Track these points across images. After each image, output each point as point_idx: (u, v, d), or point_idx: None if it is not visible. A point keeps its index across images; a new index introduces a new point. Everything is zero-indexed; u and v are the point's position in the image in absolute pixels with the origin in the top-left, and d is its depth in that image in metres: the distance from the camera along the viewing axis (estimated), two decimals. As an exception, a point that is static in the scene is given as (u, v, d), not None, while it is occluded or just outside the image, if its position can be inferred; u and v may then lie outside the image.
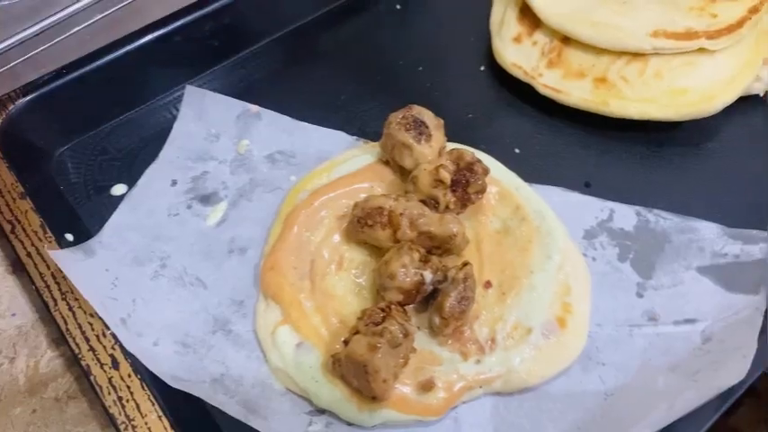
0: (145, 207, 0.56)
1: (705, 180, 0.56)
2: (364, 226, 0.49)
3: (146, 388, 0.44)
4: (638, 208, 0.53)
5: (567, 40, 0.60)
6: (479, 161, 0.51)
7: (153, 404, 0.43)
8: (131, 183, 0.57)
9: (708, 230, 0.52)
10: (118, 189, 0.58)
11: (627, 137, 0.58)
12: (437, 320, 0.46)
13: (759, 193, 0.55)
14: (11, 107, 0.58)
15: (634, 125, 0.57)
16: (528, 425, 0.45)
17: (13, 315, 0.53)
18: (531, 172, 0.55)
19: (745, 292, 0.49)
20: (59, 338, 0.51)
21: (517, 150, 0.58)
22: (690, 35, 0.56)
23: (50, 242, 0.50)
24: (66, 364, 0.50)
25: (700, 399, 0.42)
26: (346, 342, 0.45)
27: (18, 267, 0.55)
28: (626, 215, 0.53)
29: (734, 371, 0.42)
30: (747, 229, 0.52)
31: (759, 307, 0.47)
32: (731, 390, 0.41)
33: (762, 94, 0.59)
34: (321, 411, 0.46)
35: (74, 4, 0.62)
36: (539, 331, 0.47)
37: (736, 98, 0.56)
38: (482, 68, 0.64)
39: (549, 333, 0.47)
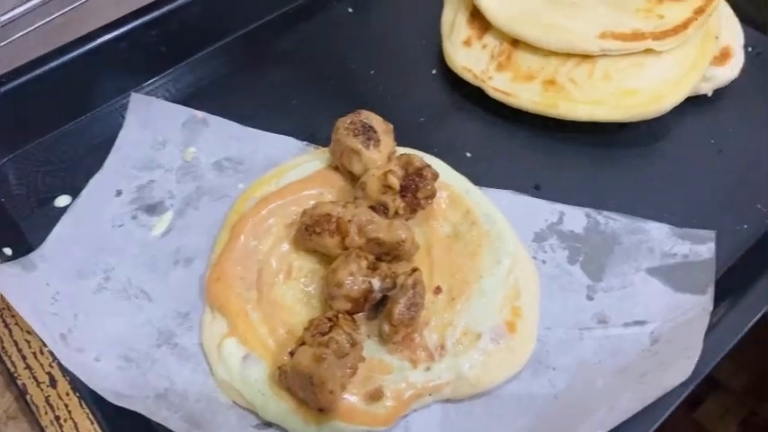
0: (88, 218, 0.54)
1: (654, 180, 0.57)
2: (312, 234, 0.48)
3: (84, 406, 0.42)
4: (587, 210, 0.54)
5: (516, 42, 0.60)
6: (428, 166, 0.51)
7: (92, 422, 0.42)
8: (75, 194, 0.56)
9: (657, 231, 0.52)
10: (62, 200, 0.56)
11: (576, 139, 0.58)
12: (386, 328, 0.45)
13: (707, 192, 0.56)
14: (-54, 118, 0.56)
15: (583, 127, 0.57)
16: (478, 429, 0.44)
17: (-50, 334, 0.51)
18: (482, 175, 0.55)
19: (693, 293, 0.49)
20: (-4, 357, 0.50)
21: (468, 154, 0.58)
22: (637, 36, 0.56)
23: (-14, 257, 0.49)
24: (5, 383, 0.48)
25: (645, 400, 0.42)
26: (292, 353, 0.44)
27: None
28: (576, 217, 0.53)
29: (679, 371, 0.42)
30: (695, 229, 0.52)
31: (706, 307, 0.47)
32: (675, 390, 0.41)
33: (709, 94, 0.60)
34: (268, 424, 0.45)
35: (15, 8, 0.61)
36: (488, 336, 0.46)
37: (683, 98, 0.56)
38: (434, 72, 0.64)
39: (498, 338, 0.46)
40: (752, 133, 0.59)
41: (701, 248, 0.51)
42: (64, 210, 0.55)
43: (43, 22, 0.63)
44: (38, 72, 0.60)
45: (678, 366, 0.43)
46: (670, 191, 0.56)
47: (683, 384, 0.42)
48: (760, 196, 0.55)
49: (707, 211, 0.54)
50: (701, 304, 0.48)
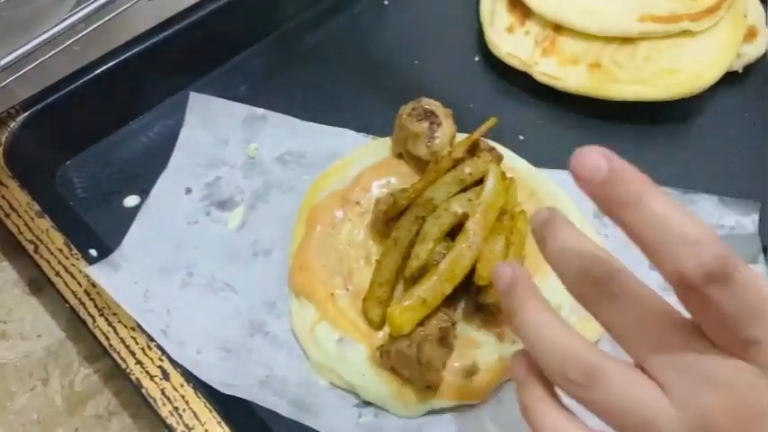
0: (162, 217, 0.55)
1: (696, 155, 0.60)
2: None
3: (200, 396, 0.44)
4: (642, 185, 0.56)
5: (558, 28, 0.62)
6: (494, 148, 0.53)
7: (210, 411, 0.43)
8: (143, 193, 0.57)
9: (706, 202, 0.56)
10: (130, 200, 0.57)
11: (621, 118, 0.61)
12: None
13: (746, 164, 0.59)
14: (11, 124, 0.57)
15: (626, 107, 0.60)
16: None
17: (39, 336, 0.52)
18: (537, 157, 0.57)
19: (745, 262, 0.52)
20: (91, 355, 0.51)
21: (521, 137, 0.60)
22: (674, 18, 0.60)
23: (78, 259, 0.50)
24: (103, 380, 0.50)
25: None
26: (393, 336, 0.46)
27: (36, 287, 0.54)
28: (631, 192, 0.56)
29: None
30: (741, 199, 0.55)
31: (762, 271, 0.51)
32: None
33: (740, 71, 0.63)
34: (368, 403, 0.47)
35: (64, 21, 0.62)
36: (569, 309, 0.49)
37: (721, 75, 0.59)
38: (477, 59, 0.66)
39: (578, 309, 0.49)
40: (781, 105, 0.63)
41: (746, 220, 0.54)
42: (134, 210, 0.56)
43: (89, 29, 0.64)
44: (91, 76, 0.60)
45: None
46: (711, 165, 0.59)
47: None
48: (795, 166, 0.59)
49: (747, 183, 0.58)
50: (756, 270, 0.51)
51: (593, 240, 0.34)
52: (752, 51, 0.63)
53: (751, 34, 0.63)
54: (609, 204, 0.31)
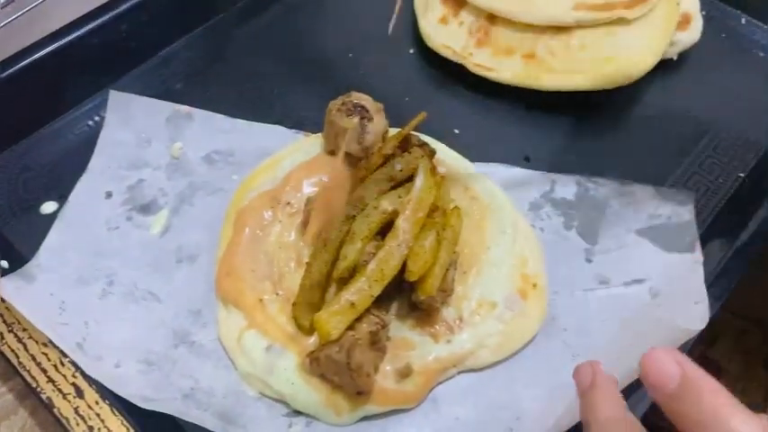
0: (81, 223, 0.53)
1: (634, 143, 0.59)
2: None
3: (117, 413, 0.42)
4: (577, 177, 0.56)
5: (492, 18, 0.61)
6: (426, 144, 0.52)
7: (128, 429, 0.41)
8: (61, 199, 0.54)
9: (642, 192, 0.55)
10: (47, 207, 0.54)
11: (557, 109, 0.60)
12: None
13: (682, 151, 0.59)
14: None
15: (562, 97, 0.59)
16: (503, 395, 0.46)
17: (-52, 354, 0.49)
18: (473, 150, 0.56)
19: (682, 251, 0.51)
20: (5, 374, 0.48)
21: (456, 131, 0.59)
22: (608, 6, 0.59)
23: (-15, 272, 0.47)
24: (18, 399, 0.47)
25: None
26: (322, 342, 0.44)
27: (-55, 302, 0.51)
28: (567, 185, 0.55)
29: (694, 317, 0.45)
30: (676, 190, 0.55)
31: (697, 260, 0.50)
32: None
33: (675, 58, 0.63)
34: (299, 412, 0.46)
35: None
36: (503, 305, 0.48)
37: (656, 62, 0.59)
38: (411, 51, 0.65)
39: (512, 305, 0.48)
40: (716, 92, 0.62)
41: (682, 210, 0.54)
42: (51, 216, 0.53)
43: (4, 22, 0.61)
44: (4, 75, 0.57)
45: (690, 313, 0.45)
46: (649, 152, 0.59)
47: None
48: (731, 151, 0.58)
49: (685, 169, 0.57)
50: (691, 259, 0.50)
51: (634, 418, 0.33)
52: (686, 39, 0.63)
53: (685, 21, 0.63)
54: (679, 417, 0.29)
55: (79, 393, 0.42)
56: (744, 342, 1.15)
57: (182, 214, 0.54)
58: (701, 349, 1.13)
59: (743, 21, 0.68)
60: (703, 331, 0.44)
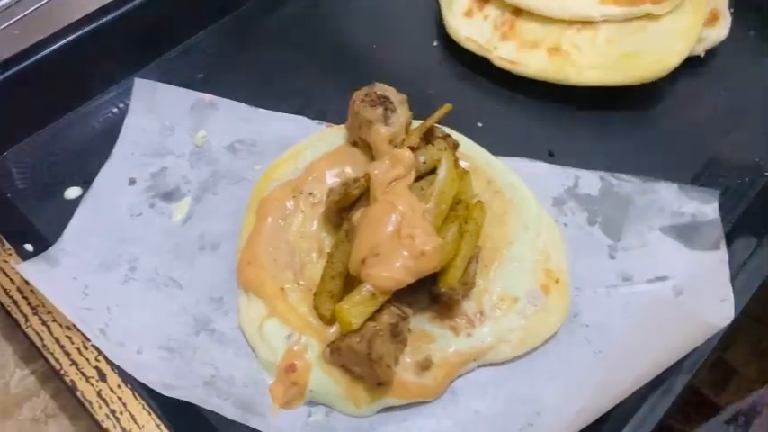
0: (104, 209, 0.53)
1: (659, 140, 0.59)
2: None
3: (138, 397, 0.42)
4: (601, 173, 0.55)
5: (518, 11, 0.60)
6: (449, 136, 0.51)
7: (149, 413, 0.41)
8: (85, 184, 0.54)
9: (666, 190, 0.54)
10: (71, 192, 0.55)
11: (582, 104, 0.60)
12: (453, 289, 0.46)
13: (709, 148, 0.58)
14: (-58, 112, 0.54)
15: (588, 92, 0.59)
16: (523, 389, 0.46)
17: (-27, 336, 0.49)
18: (496, 144, 0.55)
19: (706, 249, 0.51)
20: (27, 356, 0.49)
21: (479, 124, 0.59)
22: (636, 1, 0.58)
23: (11, 255, 0.47)
24: (40, 382, 0.48)
25: (685, 347, 0.44)
26: (344, 332, 0.44)
27: (-30, 285, 0.51)
28: (590, 181, 0.55)
29: (718, 315, 0.44)
30: (700, 188, 0.54)
31: (722, 258, 0.50)
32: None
33: (702, 55, 0.62)
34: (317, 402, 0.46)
35: None
36: (525, 300, 0.48)
37: (684, 58, 0.58)
38: (435, 44, 0.64)
39: (534, 300, 0.48)
40: (742, 90, 0.62)
41: (707, 209, 0.53)
42: (75, 201, 0.54)
43: (29, 10, 0.61)
44: (29, 62, 0.57)
45: (715, 310, 0.45)
46: (675, 149, 0.58)
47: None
48: (757, 150, 0.58)
49: (710, 166, 0.57)
50: (716, 257, 0.50)
51: None
52: (714, 35, 0.62)
53: (713, 18, 0.62)
54: None
55: (102, 377, 0.42)
56: (760, 346, 1.14)
57: (204, 202, 0.54)
58: (718, 352, 1.13)
59: (772, 18, 0.67)
60: (722, 334, 0.44)
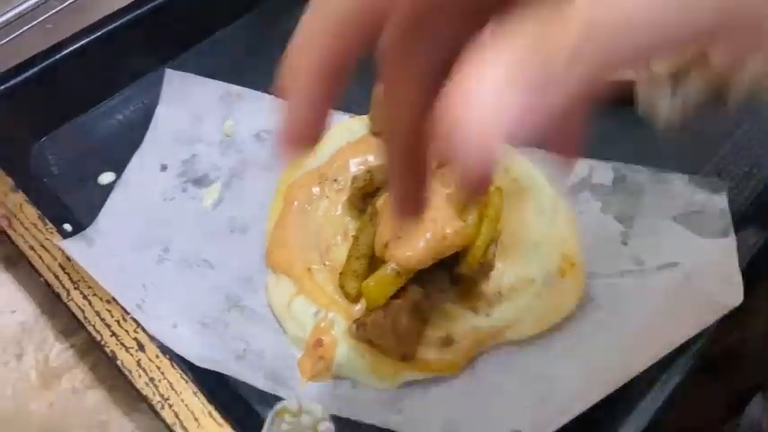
0: (138, 193, 0.55)
1: (668, 134, 0.61)
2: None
3: (176, 367, 0.44)
4: (614, 164, 0.57)
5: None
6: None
7: (186, 381, 0.43)
8: (118, 170, 0.57)
9: (677, 181, 0.56)
10: (105, 177, 0.57)
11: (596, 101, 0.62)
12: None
13: (719, 142, 0.60)
14: (-18, 100, 0.56)
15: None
16: (539, 367, 0.48)
17: (14, 312, 0.52)
18: (513, 136, 0.58)
19: (716, 236, 0.53)
20: (66, 330, 0.51)
21: (497, 116, 0.61)
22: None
23: (52, 233, 0.50)
24: (78, 355, 0.50)
25: (694, 327, 0.46)
26: (370, 309, 0.46)
27: (11, 263, 0.53)
28: (604, 171, 0.57)
29: (728, 296, 0.46)
30: (710, 178, 0.56)
31: (731, 245, 0.52)
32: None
33: (712, 53, 0.64)
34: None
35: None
36: (541, 282, 0.50)
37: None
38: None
39: (550, 282, 0.50)
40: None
41: (716, 198, 0.55)
42: (108, 186, 0.56)
43: (62, 5, 0.64)
44: (64, 53, 0.60)
45: (724, 293, 0.47)
46: (684, 144, 0.60)
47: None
48: (765, 143, 0.60)
49: (719, 159, 0.59)
50: (725, 243, 0.52)
51: None
52: (723, 34, 0.64)
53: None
54: None
55: (141, 347, 0.45)
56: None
57: (233, 188, 0.56)
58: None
59: (779, 18, 0.69)
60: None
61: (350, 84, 0.62)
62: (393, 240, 0.47)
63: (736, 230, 0.52)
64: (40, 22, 0.61)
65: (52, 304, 0.51)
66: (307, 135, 0.29)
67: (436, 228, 0.47)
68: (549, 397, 0.47)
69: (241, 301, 0.51)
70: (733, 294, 0.46)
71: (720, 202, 0.55)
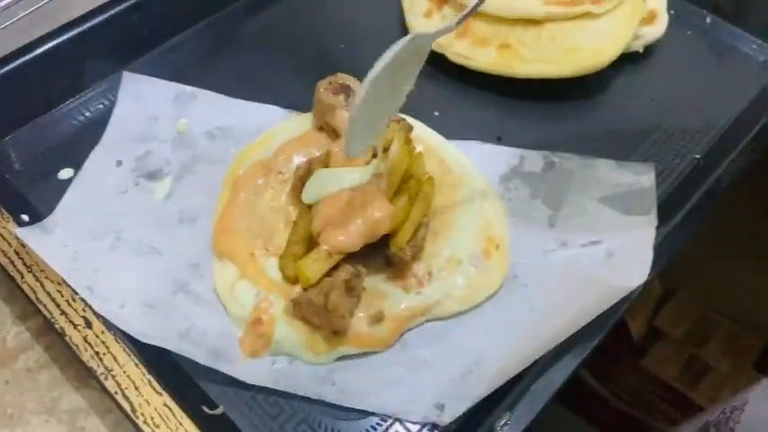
0: (94, 187, 0.58)
1: (600, 126, 0.65)
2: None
3: (120, 341, 0.47)
4: (544, 153, 0.61)
5: (471, 11, 0.67)
6: (403, 119, 0.57)
7: (129, 355, 0.46)
8: (77, 166, 0.60)
9: (605, 166, 0.60)
10: (64, 173, 0.60)
11: (530, 95, 0.66)
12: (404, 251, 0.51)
13: (645, 134, 0.64)
14: (-53, 101, 0.60)
15: (535, 84, 0.65)
16: (466, 341, 0.51)
17: (-27, 299, 0.55)
18: (450, 130, 0.61)
19: (639, 214, 0.56)
20: (23, 314, 0.54)
21: (436, 113, 0.64)
22: (577, 1, 0.64)
23: (8, 222, 0.53)
24: (34, 337, 0.53)
25: (609, 300, 0.49)
26: (305, 288, 0.49)
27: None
28: (534, 160, 0.61)
29: (637, 275, 0.50)
30: (637, 162, 0.60)
31: (651, 224, 0.55)
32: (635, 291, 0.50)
33: (641, 51, 0.68)
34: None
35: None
36: (468, 262, 0.53)
37: (620, 53, 0.64)
38: (396, 38, 0.70)
39: (476, 263, 0.53)
40: (678, 83, 0.68)
41: (643, 179, 0.58)
42: (67, 181, 0.59)
43: (25, 13, 0.67)
44: (28, 57, 0.63)
45: (635, 271, 0.50)
46: (613, 135, 0.64)
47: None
48: (688, 136, 0.64)
49: (646, 151, 0.63)
50: (647, 222, 0.55)
51: None
52: (651, 33, 0.68)
53: (651, 17, 0.69)
54: None
55: (88, 324, 0.48)
56: (735, 344, 1.19)
57: (184, 181, 0.60)
58: (691, 351, 1.18)
59: (708, 20, 0.73)
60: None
61: (301, 85, 0.66)
62: (328, 224, 0.51)
63: (660, 217, 0.56)
64: (3, 27, 0.64)
65: (10, 290, 0.54)
66: None
67: (366, 212, 0.50)
68: (474, 370, 0.50)
69: (188, 285, 0.54)
70: (639, 274, 0.50)
71: (646, 182, 0.58)
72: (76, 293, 0.49)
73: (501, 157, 0.61)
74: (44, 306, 0.48)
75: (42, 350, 0.52)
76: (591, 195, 0.58)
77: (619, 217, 0.57)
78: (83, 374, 0.50)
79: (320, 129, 0.60)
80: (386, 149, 0.54)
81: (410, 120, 0.59)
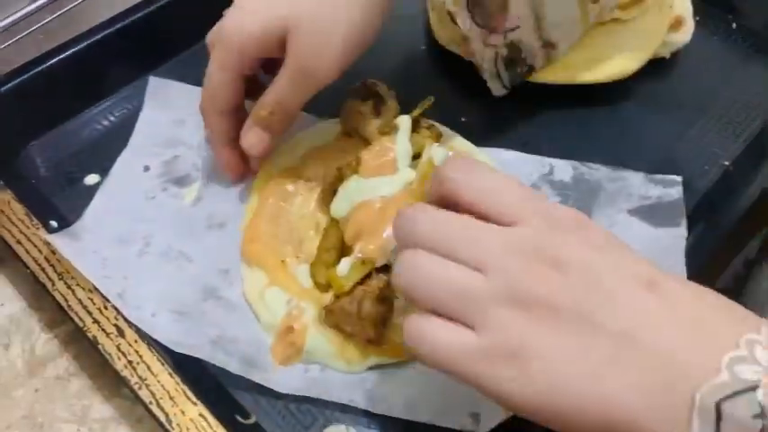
0: (121, 192, 0.58)
1: (627, 133, 0.64)
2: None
3: (153, 351, 0.47)
4: (574, 162, 0.61)
5: (498, 17, 0.66)
6: (434, 125, 0.57)
7: (163, 364, 0.46)
8: (103, 172, 0.60)
9: (634, 178, 0.60)
10: (91, 179, 0.60)
11: (556, 101, 0.65)
12: None
13: (673, 141, 0.64)
14: (-26, 106, 0.60)
15: (561, 90, 0.65)
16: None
17: (2, 305, 0.54)
18: (477, 137, 0.61)
19: (668, 226, 0.56)
20: (52, 322, 0.54)
21: (463, 119, 0.64)
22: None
23: (38, 228, 0.53)
24: (63, 345, 0.53)
25: None
26: (338, 296, 0.49)
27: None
28: (564, 169, 0.60)
29: None
30: (665, 175, 0.60)
31: (681, 235, 0.55)
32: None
33: (667, 57, 0.68)
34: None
35: (27, 6, 0.65)
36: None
37: (646, 61, 0.64)
38: (423, 47, 0.70)
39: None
40: (704, 89, 0.67)
41: (671, 191, 0.58)
42: (94, 187, 0.59)
43: (53, 16, 0.67)
44: (55, 61, 0.63)
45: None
46: (640, 142, 0.64)
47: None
48: (716, 143, 0.63)
49: (675, 158, 0.62)
50: (676, 233, 0.55)
51: None
52: (678, 39, 0.68)
53: (677, 24, 0.68)
54: None
55: (120, 333, 0.47)
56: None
57: (212, 187, 0.59)
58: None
59: (733, 26, 0.73)
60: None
61: (326, 90, 0.66)
62: (359, 232, 0.50)
63: (690, 225, 0.55)
64: (31, 32, 0.64)
65: (38, 297, 0.53)
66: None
67: (399, 219, 0.50)
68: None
69: (217, 291, 0.53)
70: None
71: (674, 194, 0.58)
72: (108, 301, 0.49)
73: (530, 164, 0.61)
74: (75, 314, 0.48)
75: (71, 358, 0.52)
76: (620, 207, 0.58)
77: (648, 229, 0.56)
78: (113, 383, 0.50)
79: (348, 135, 0.60)
80: (417, 157, 0.54)
81: (438, 126, 0.59)
